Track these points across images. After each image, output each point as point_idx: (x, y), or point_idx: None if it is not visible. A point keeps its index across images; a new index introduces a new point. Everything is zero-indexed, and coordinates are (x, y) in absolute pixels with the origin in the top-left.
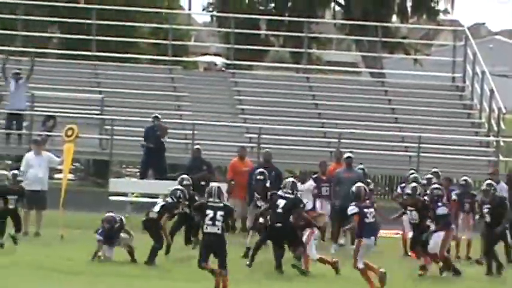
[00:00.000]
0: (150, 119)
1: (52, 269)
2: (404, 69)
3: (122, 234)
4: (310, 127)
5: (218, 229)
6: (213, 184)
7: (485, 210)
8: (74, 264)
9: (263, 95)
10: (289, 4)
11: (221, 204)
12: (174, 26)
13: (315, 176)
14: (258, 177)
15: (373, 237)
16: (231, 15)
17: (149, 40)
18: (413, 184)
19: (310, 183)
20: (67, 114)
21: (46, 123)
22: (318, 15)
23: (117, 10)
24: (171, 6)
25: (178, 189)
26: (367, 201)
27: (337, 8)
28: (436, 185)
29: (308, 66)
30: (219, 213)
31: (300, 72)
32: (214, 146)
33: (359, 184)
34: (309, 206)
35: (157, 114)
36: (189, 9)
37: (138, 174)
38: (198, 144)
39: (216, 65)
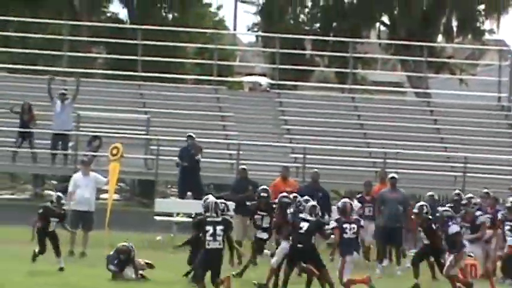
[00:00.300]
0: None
1: None
2: (450, 89)
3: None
4: (356, 147)
5: (220, 244)
6: (210, 199)
7: (507, 228)
8: (119, 285)
9: (308, 115)
10: (334, 24)
11: (219, 219)
12: (220, 46)
13: (359, 196)
14: (262, 194)
15: (355, 253)
16: (276, 35)
17: (194, 60)
18: (421, 203)
19: (356, 204)
20: (113, 135)
21: (92, 143)
22: (363, 35)
23: (163, 30)
24: (216, 26)
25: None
26: (352, 217)
27: (382, 28)
28: (446, 207)
29: (353, 86)
30: (219, 227)
31: (345, 92)
32: (260, 166)
33: (345, 200)
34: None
35: (191, 134)
36: (234, 29)
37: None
38: (243, 164)
39: (261, 85)
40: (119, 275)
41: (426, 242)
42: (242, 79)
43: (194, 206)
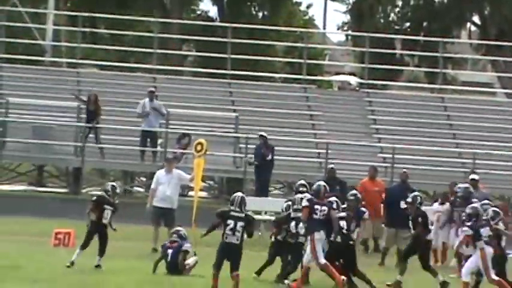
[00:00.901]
0: (283, 138)
1: (186, 286)
2: None
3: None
4: (445, 147)
5: (237, 239)
6: (238, 193)
7: None
8: (206, 282)
9: (397, 114)
10: (425, 24)
11: (242, 215)
12: (309, 45)
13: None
14: (350, 197)
15: (322, 232)
16: (365, 34)
17: (284, 59)
18: (416, 193)
19: (447, 207)
20: (202, 132)
21: (181, 140)
22: (453, 35)
23: (253, 28)
24: (306, 25)
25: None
26: (326, 200)
27: (473, 28)
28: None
29: (443, 86)
30: (239, 224)
31: (434, 92)
32: (348, 165)
33: (320, 182)
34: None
35: (263, 133)
36: (324, 28)
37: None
38: (331, 163)
39: (350, 84)
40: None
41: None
42: (331, 78)
43: (280, 204)
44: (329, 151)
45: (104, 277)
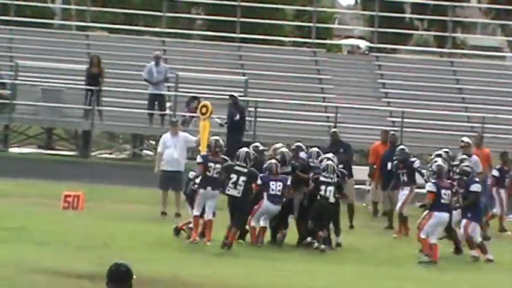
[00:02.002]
0: (292, 101)
1: (196, 250)
2: None
3: None
4: (454, 111)
5: (238, 193)
6: (243, 148)
7: None
8: (215, 246)
9: (406, 78)
10: None
11: (245, 170)
12: (319, 9)
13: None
14: None
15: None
16: None
17: (293, 22)
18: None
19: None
20: (210, 96)
21: (190, 104)
22: None
23: None
24: None
25: None
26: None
27: None
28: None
29: (452, 51)
30: (242, 178)
31: (444, 56)
32: (357, 129)
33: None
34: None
35: (233, 93)
36: None
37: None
38: (337, 127)
39: (359, 48)
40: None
41: None
42: (341, 42)
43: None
44: (338, 115)
45: (111, 239)
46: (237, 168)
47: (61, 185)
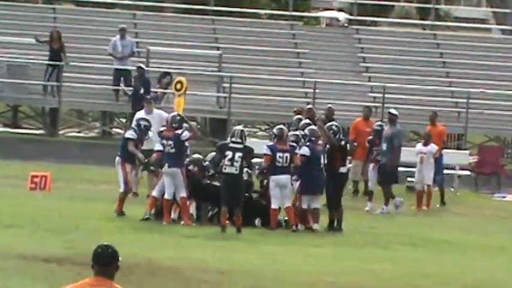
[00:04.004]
0: (268, 77)
1: (170, 233)
2: None
3: None
4: (437, 86)
5: (236, 170)
6: (238, 126)
7: None
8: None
9: (388, 52)
10: None
11: (241, 146)
12: None
13: None
14: None
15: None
16: None
17: None
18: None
19: (430, 148)
20: (183, 71)
21: (162, 80)
22: None
23: None
24: None
25: None
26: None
27: None
28: None
29: (436, 23)
30: (238, 154)
31: (427, 29)
32: (337, 105)
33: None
34: None
35: (141, 65)
36: None
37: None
38: (320, 103)
39: (338, 20)
40: None
41: None
42: (319, 14)
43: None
44: (316, 90)
45: (81, 221)
46: (231, 145)
47: (28, 164)
